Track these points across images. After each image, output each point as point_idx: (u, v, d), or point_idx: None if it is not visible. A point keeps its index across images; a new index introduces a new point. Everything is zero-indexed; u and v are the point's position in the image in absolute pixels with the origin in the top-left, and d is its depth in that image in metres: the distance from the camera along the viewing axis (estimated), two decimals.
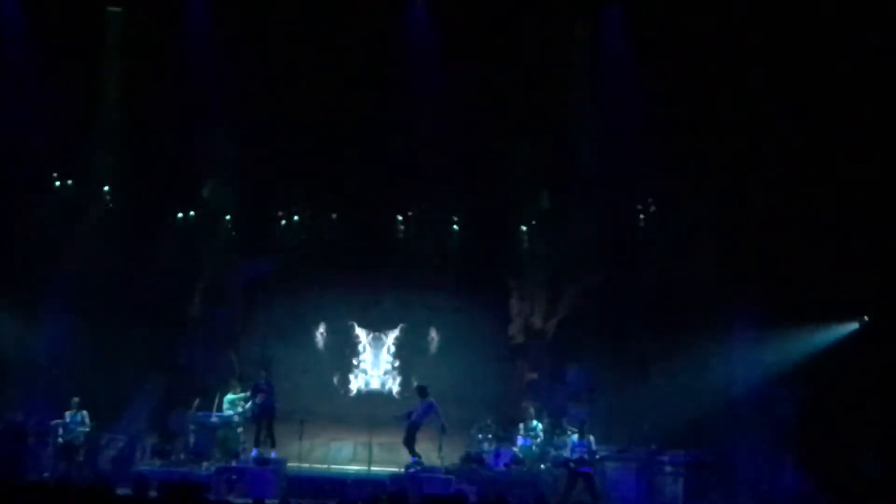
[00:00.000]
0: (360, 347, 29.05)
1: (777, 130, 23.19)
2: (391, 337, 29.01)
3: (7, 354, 24.88)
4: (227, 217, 28.30)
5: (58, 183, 26.21)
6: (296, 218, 28.41)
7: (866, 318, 23.35)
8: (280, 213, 28.42)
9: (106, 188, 26.82)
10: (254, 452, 23.25)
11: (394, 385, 28.68)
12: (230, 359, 27.92)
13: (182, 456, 24.34)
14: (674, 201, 26.03)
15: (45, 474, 22.60)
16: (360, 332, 29.06)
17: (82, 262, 25.99)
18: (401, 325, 29.03)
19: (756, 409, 24.09)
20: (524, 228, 27.97)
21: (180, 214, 27.92)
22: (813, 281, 22.78)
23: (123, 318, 26.21)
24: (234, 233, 28.50)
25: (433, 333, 28.91)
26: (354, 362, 28.88)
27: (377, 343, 29.03)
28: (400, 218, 28.42)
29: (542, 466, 23.91)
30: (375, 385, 28.69)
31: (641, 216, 26.93)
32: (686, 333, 24.98)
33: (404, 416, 23.75)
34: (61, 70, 24.12)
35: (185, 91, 24.70)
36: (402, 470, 23.32)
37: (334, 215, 28.48)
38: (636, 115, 24.21)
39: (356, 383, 28.70)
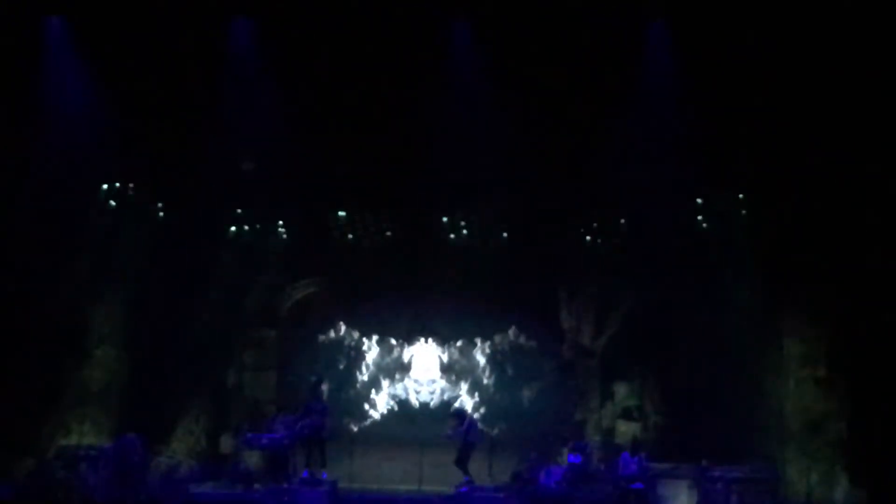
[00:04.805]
0: (411, 365, 28.97)
1: (829, 139, 22.95)
2: (442, 354, 28.90)
3: (59, 380, 25.12)
4: (279, 222, 28.36)
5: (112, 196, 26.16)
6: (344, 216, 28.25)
7: None
8: (331, 217, 28.24)
9: (160, 204, 26.97)
10: (304, 473, 23.27)
11: (445, 403, 28.46)
12: (280, 380, 28.02)
13: (233, 477, 24.50)
14: (725, 217, 25.94)
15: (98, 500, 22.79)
16: (411, 350, 28.98)
17: (131, 283, 26.23)
18: (452, 342, 28.95)
19: (806, 425, 23.91)
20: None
21: (233, 228, 28.07)
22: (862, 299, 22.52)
23: (173, 341, 26.35)
24: (284, 236, 28.54)
25: (484, 349, 28.78)
26: (405, 380, 28.78)
27: (428, 360, 28.94)
28: (445, 220, 28.16)
29: (594, 484, 23.81)
30: (426, 403, 28.55)
31: (691, 231, 26.80)
32: (737, 350, 24.87)
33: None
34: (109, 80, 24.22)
35: (232, 95, 24.68)
36: (453, 489, 23.33)
37: (387, 229, 28.37)
38: (682, 128, 24.11)
39: (406, 402, 28.56)
